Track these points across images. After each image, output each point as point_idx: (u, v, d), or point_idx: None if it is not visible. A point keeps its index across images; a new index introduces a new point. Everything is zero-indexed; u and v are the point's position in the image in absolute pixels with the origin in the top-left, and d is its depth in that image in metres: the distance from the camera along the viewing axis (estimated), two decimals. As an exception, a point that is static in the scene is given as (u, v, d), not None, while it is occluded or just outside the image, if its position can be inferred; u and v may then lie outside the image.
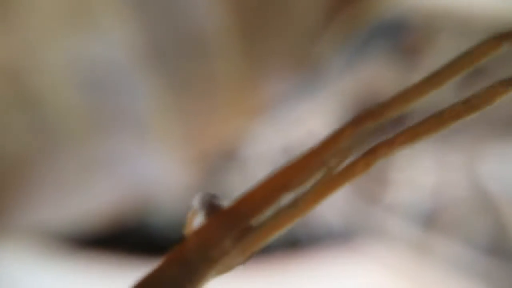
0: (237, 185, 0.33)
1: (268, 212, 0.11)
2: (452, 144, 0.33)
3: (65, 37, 0.25)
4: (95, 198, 0.28)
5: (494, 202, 0.32)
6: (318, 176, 0.11)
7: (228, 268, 0.11)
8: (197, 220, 0.11)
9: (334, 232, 0.33)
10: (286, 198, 0.11)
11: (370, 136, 0.11)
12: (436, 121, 0.11)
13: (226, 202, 0.11)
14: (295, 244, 0.33)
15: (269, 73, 0.29)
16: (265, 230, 0.11)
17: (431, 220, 0.33)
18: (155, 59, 0.26)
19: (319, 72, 0.31)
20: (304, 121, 0.33)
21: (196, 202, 0.11)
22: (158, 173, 0.29)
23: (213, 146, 0.31)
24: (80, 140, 0.26)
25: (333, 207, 0.33)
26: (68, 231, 0.31)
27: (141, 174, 0.29)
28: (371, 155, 0.11)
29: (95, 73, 0.25)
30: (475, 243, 0.32)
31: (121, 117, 0.26)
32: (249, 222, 0.11)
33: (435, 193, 0.33)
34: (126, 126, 0.27)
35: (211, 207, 0.11)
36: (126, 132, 0.27)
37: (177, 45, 0.26)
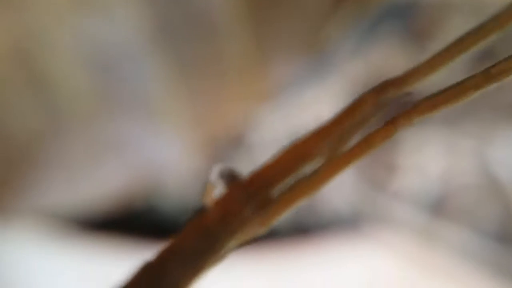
0: (243, 170, 0.33)
1: (289, 181, 0.11)
2: (460, 130, 0.33)
3: (75, 20, 0.25)
4: (104, 180, 0.28)
5: (503, 188, 0.32)
6: (338, 145, 0.11)
7: (248, 238, 0.11)
8: (216, 191, 0.11)
9: (341, 218, 0.33)
10: (307, 168, 0.11)
11: (390, 105, 0.11)
12: (456, 92, 0.11)
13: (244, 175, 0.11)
14: (303, 230, 0.33)
15: (277, 56, 0.29)
16: (285, 201, 0.11)
17: (439, 206, 0.33)
18: (164, 41, 0.26)
19: (328, 55, 0.31)
20: (312, 106, 0.33)
21: (215, 173, 0.11)
22: (166, 156, 0.29)
23: (220, 130, 0.31)
24: (89, 122, 0.26)
25: (341, 194, 0.33)
26: (77, 213, 0.31)
27: (149, 156, 0.29)
28: (391, 125, 0.11)
29: (104, 55, 0.25)
30: (483, 229, 0.32)
31: (130, 99, 0.26)
32: (269, 192, 0.11)
33: (443, 179, 0.33)
34: (135, 108, 0.27)
35: (231, 178, 0.11)
36: (134, 114, 0.27)
37: (186, 28, 0.26)
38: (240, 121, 0.32)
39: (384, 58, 0.32)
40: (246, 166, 0.33)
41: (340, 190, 0.33)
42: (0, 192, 0.27)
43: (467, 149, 0.32)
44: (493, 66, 0.11)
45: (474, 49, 0.11)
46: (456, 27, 0.31)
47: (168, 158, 0.29)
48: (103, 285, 0.30)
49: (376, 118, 0.11)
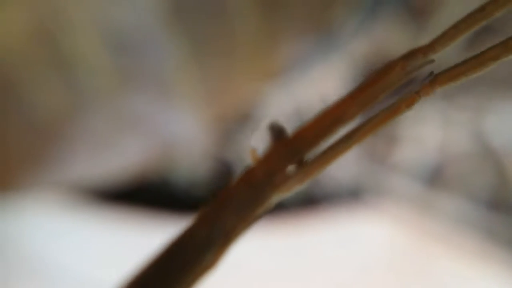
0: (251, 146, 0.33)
1: (325, 142, 0.12)
2: (456, 102, 0.33)
3: (96, 1, 0.25)
4: (122, 154, 0.29)
5: (497, 158, 0.33)
6: (369, 109, 0.12)
7: (288, 191, 0.12)
8: (260, 150, 0.12)
9: (344, 189, 0.34)
10: (341, 130, 0.12)
11: (419, 70, 0.12)
12: (476, 62, 0.12)
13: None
14: (309, 201, 0.34)
15: (285, 36, 0.30)
16: (321, 160, 0.12)
17: (436, 176, 0.34)
18: (179, 22, 0.27)
19: (333, 35, 0.32)
20: (317, 84, 0.33)
21: (264, 127, 0.12)
22: (179, 132, 0.30)
23: (230, 107, 0.32)
24: (108, 99, 0.27)
25: (344, 167, 0.34)
26: (96, 185, 0.32)
27: (163, 132, 0.29)
28: (416, 93, 0.12)
29: (123, 35, 0.26)
30: (478, 197, 0.33)
31: (147, 77, 0.27)
32: (307, 151, 0.12)
33: (440, 150, 0.34)
34: (151, 86, 0.28)
35: (278, 133, 0.12)
36: (150, 91, 0.28)
37: (199, 8, 0.27)
38: (249, 99, 0.32)
39: (386, 37, 0.32)
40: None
41: (343, 163, 0.34)
42: (26, 166, 0.28)
43: (463, 121, 0.33)
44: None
45: (494, 16, 0.12)
46: (455, 6, 0.32)
47: (182, 134, 0.30)
48: (122, 253, 0.31)
49: (402, 83, 0.12)
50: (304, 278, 0.33)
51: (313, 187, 0.34)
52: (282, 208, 0.34)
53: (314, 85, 0.33)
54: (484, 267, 0.31)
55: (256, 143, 0.12)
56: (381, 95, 0.12)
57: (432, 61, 0.12)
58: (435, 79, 0.12)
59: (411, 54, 0.12)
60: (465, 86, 0.33)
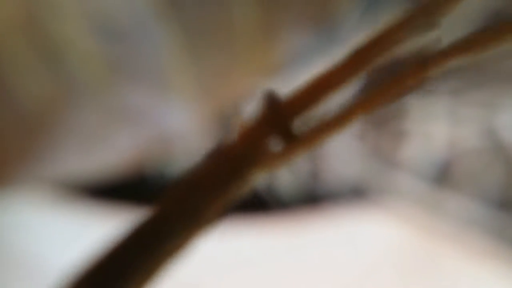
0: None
1: (314, 114, 0.11)
2: (465, 98, 0.33)
3: None
4: (115, 148, 0.29)
5: (507, 155, 0.33)
6: (363, 76, 0.11)
7: (273, 168, 0.11)
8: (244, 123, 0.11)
9: (348, 187, 0.34)
10: (333, 101, 0.11)
11: (419, 34, 0.11)
12: (484, 38, 0.11)
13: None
14: (312, 199, 0.34)
15: (285, 29, 0.30)
16: (313, 135, 0.11)
17: (444, 174, 0.33)
18: (175, 11, 0.26)
19: (333, 27, 0.32)
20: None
21: (261, 94, 0.11)
22: (174, 125, 0.30)
23: (228, 101, 0.31)
24: (100, 90, 0.26)
25: (348, 163, 0.34)
26: (88, 180, 0.31)
27: (158, 125, 0.29)
28: (422, 67, 0.11)
29: (115, 24, 0.26)
30: (487, 195, 0.33)
31: (140, 68, 0.27)
32: (297, 118, 0.11)
33: (448, 148, 0.33)
34: (145, 77, 0.27)
35: (271, 102, 0.11)
36: (144, 83, 0.27)
37: None
38: (247, 92, 0.32)
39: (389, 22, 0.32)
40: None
41: (346, 159, 0.34)
42: (14, 160, 0.27)
43: (472, 118, 0.33)
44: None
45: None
46: None
47: (176, 127, 0.30)
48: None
49: (401, 49, 0.11)
50: (308, 277, 0.32)
51: (316, 184, 0.34)
52: (284, 207, 0.33)
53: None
54: (493, 267, 0.31)
55: (250, 114, 0.12)
56: (376, 58, 0.11)
57: (435, 23, 0.11)
58: (445, 53, 0.11)
59: (410, 18, 0.11)
60: (475, 81, 0.33)
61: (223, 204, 0.10)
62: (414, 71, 0.11)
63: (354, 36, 0.32)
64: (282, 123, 0.11)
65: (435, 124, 0.33)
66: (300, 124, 0.12)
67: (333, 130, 0.11)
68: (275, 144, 0.11)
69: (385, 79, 0.11)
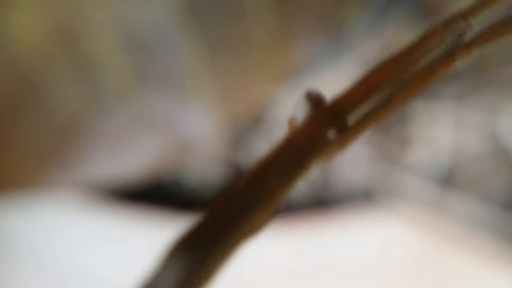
0: (263, 149, 0.34)
1: (364, 108, 0.12)
2: (469, 103, 0.33)
3: (113, 1, 0.26)
4: (139, 154, 0.29)
5: (511, 159, 0.33)
6: (409, 74, 0.12)
7: (329, 158, 0.12)
8: (300, 118, 0.12)
9: (356, 190, 0.34)
10: (380, 95, 0.12)
11: (459, 36, 0.12)
12: (508, 24, 0.12)
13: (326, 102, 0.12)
14: (320, 203, 0.34)
15: (298, 37, 0.30)
16: (360, 125, 0.12)
17: (449, 177, 0.34)
18: (194, 22, 0.27)
19: (344, 36, 0.32)
20: (328, 85, 0.34)
21: (301, 97, 0.12)
22: (193, 132, 0.30)
23: (243, 109, 0.32)
24: (127, 98, 0.27)
25: (355, 167, 0.34)
26: (112, 184, 0.32)
27: (179, 132, 0.30)
28: (451, 56, 0.12)
29: (140, 35, 0.26)
30: (493, 198, 0.33)
31: (163, 78, 0.27)
32: (347, 117, 0.12)
33: (453, 151, 0.34)
34: (167, 86, 0.28)
35: (316, 101, 0.12)
36: (168, 91, 0.28)
37: (214, 9, 0.27)
38: (262, 101, 0.33)
39: (396, 38, 0.33)
40: (265, 145, 0.34)
41: (354, 163, 0.34)
42: (46, 164, 0.28)
43: (476, 122, 0.33)
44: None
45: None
46: (466, 3, 0.32)
47: (195, 135, 0.30)
48: (135, 251, 0.31)
49: (442, 48, 0.12)
50: (316, 280, 0.32)
51: (324, 188, 0.34)
52: (293, 210, 0.34)
53: (325, 86, 0.33)
54: (499, 269, 0.31)
55: (295, 112, 0.12)
56: (420, 60, 0.12)
57: (472, 26, 0.12)
58: (471, 42, 0.12)
59: (452, 19, 0.12)
60: (478, 85, 0.33)
61: (289, 188, 0.11)
62: (443, 61, 0.12)
63: (364, 45, 0.33)
64: (334, 117, 0.12)
65: (440, 129, 0.34)
66: (350, 117, 0.13)
67: (378, 118, 0.12)
68: (330, 136, 0.12)
69: (418, 71, 0.12)
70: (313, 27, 0.30)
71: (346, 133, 0.12)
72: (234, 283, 0.32)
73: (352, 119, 0.12)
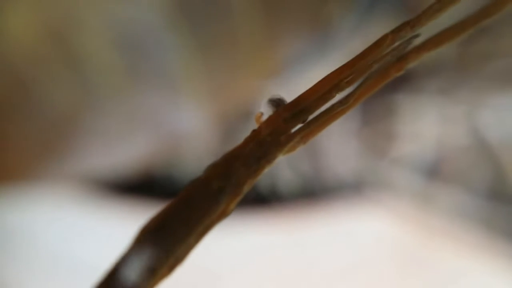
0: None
1: (323, 106, 0.13)
2: (453, 98, 0.34)
3: (104, 1, 0.26)
4: (131, 148, 0.30)
5: (493, 151, 0.34)
6: (363, 77, 0.13)
7: (292, 149, 0.13)
8: (265, 116, 0.14)
9: (345, 184, 0.35)
10: (338, 96, 0.13)
11: (407, 43, 0.13)
12: (457, 29, 0.13)
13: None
14: (310, 196, 0.35)
15: (285, 35, 0.31)
16: (321, 122, 0.13)
17: (435, 170, 0.34)
18: (184, 21, 0.27)
19: (330, 33, 0.33)
20: (315, 82, 0.34)
21: (266, 101, 0.13)
22: (184, 128, 0.31)
23: (233, 104, 0.32)
24: (118, 95, 0.28)
25: (344, 161, 0.35)
26: (106, 178, 0.33)
27: (170, 127, 0.30)
28: (403, 59, 0.13)
29: (131, 34, 0.27)
30: (477, 190, 0.34)
31: (153, 75, 0.28)
32: (307, 114, 0.13)
33: (438, 145, 0.34)
34: (157, 83, 0.28)
35: (278, 104, 0.13)
36: (157, 88, 0.28)
37: (203, 8, 0.28)
38: (251, 96, 0.33)
39: (381, 35, 0.33)
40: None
41: (343, 157, 0.35)
42: (40, 158, 0.29)
43: (460, 116, 0.34)
44: (488, 4, 0.14)
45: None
46: None
47: (186, 130, 0.31)
48: (127, 243, 0.32)
49: (392, 53, 0.13)
50: (304, 272, 0.33)
51: (313, 181, 0.35)
52: (282, 203, 0.34)
53: (312, 83, 0.34)
54: (484, 259, 0.32)
55: (262, 110, 0.14)
56: (373, 64, 0.13)
57: (418, 34, 0.13)
58: (421, 47, 0.13)
59: (400, 28, 0.13)
60: (461, 81, 0.34)
61: (254, 179, 0.13)
62: (395, 64, 0.13)
63: (350, 41, 0.33)
64: (296, 114, 0.13)
65: (425, 123, 0.34)
66: (310, 113, 0.14)
67: (337, 115, 0.14)
68: (293, 130, 0.13)
69: (372, 72, 0.14)
70: (299, 24, 0.31)
71: (306, 128, 0.13)
72: (225, 276, 0.32)
73: (312, 115, 0.14)
